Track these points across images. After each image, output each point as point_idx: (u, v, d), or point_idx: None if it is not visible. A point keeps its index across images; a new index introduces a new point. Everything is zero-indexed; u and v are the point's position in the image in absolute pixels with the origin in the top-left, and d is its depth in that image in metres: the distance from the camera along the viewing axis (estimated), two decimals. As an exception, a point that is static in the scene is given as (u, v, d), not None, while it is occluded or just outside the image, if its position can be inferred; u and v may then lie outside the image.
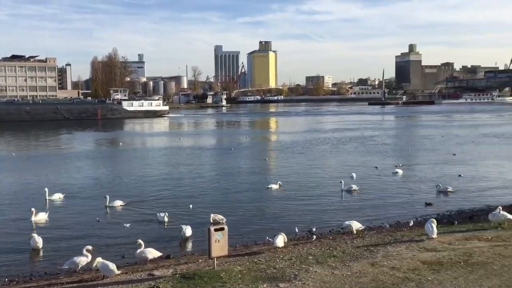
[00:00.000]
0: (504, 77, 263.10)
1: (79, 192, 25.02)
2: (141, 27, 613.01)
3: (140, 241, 13.57)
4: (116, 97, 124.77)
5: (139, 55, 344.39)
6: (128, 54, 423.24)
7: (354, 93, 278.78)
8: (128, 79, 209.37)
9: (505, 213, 14.98)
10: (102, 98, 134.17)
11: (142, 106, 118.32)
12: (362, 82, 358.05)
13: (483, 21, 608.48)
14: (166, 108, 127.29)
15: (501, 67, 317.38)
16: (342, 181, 24.13)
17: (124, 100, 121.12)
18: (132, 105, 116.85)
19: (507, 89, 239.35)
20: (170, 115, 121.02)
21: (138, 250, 13.35)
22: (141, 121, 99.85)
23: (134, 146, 51.37)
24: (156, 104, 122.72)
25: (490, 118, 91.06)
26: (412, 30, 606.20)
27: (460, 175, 27.63)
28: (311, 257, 12.06)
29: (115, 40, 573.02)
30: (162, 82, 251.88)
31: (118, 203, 21.43)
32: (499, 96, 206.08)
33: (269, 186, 24.81)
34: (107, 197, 21.42)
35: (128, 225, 18.02)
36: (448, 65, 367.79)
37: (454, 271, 10.63)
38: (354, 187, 24.03)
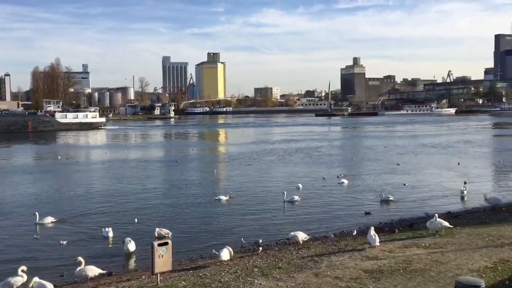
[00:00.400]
0: (442, 90, 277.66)
1: (14, 208, 23.84)
2: (86, 37, 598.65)
3: (80, 258, 13.10)
4: (49, 108, 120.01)
5: (83, 65, 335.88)
6: (72, 65, 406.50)
7: (302, 104, 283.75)
8: (72, 90, 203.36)
9: (441, 220, 15.63)
10: (33, 110, 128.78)
11: (77, 118, 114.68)
12: (309, 94, 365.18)
13: (422, 36, 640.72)
14: (103, 120, 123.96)
15: (439, 80, 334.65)
16: (285, 192, 24.39)
17: (58, 111, 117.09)
18: (66, 117, 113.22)
19: (444, 101, 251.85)
20: (108, 127, 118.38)
21: (78, 268, 12.89)
22: (76, 134, 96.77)
23: (74, 159, 49.59)
24: (92, 116, 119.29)
25: (428, 129, 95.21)
26: (356, 44, 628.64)
27: (404, 184, 28.78)
28: (256, 269, 12.05)
29: (59, 50, 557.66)
30: (108, 93, 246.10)
31: (50, 219, 20.49)
32: (437, 107, 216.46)
33: (218, 197, 24.74)
34: (37, 214, 20.47)
35: (65, 242, 17.26)
36: (390, 78, 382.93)
37: (394, 279, 10.95)
38: (296, 197, 24.27)
